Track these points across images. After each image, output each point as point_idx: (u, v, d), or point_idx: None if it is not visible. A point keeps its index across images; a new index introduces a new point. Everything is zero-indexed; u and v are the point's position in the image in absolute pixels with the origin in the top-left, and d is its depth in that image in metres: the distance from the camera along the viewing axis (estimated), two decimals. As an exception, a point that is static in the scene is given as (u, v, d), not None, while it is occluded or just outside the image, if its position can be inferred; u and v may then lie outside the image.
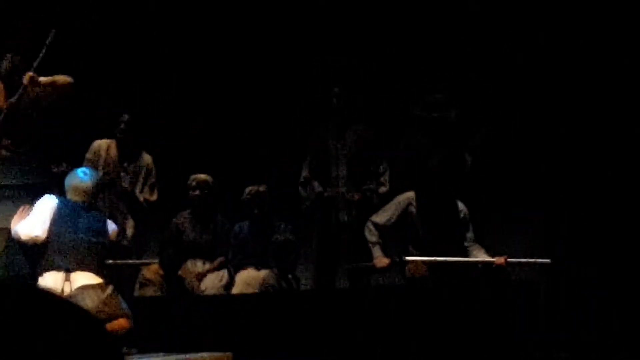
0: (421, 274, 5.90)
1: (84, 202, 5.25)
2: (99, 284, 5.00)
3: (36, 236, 5.10)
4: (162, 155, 6.88)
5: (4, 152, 5.77)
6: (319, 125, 6.70)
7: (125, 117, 6.67)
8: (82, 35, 7.34)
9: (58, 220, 5.12)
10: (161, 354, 4.94)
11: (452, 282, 5.85)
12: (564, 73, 7.07)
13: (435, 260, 5.95)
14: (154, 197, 6.67)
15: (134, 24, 7.63)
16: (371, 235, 6.11)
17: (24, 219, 5.19)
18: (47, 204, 5.19)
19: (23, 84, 5.65)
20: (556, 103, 7.08)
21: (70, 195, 5.28)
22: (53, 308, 1.50)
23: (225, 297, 6.18)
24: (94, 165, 6.31)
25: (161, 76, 7.62)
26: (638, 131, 6.76)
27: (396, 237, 6.25)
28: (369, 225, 6.14)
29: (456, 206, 6.18)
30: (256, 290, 6.08)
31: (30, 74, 5.65)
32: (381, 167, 6.56)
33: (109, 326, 4.68)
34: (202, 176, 6.68)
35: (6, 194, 5.62)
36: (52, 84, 5.75)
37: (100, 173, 6.10)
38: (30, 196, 5.44)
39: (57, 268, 5.00)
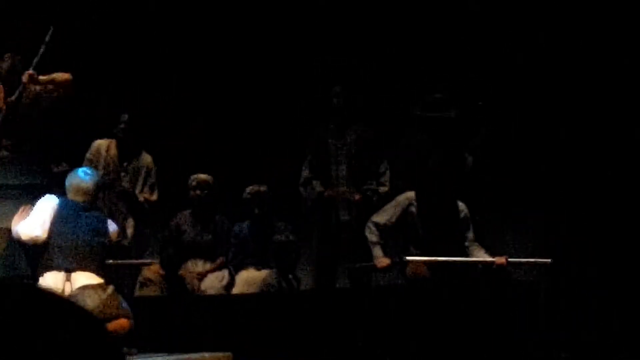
0: (422, 274, 5.90)
1: (84, 202, 5.24)
2: (99, 284, 5.00)
3: (36, 236, 5.10)
4: (162, 155, 6.88)
5: (4, 152, 5.76)
6: (319, 125, 6.70)
7: (125, 116, 6.67)
8: (81, 35, 7.34)
9: (59, 220, 5.12)
10: (162, 354, 4.94)
11: (453, 282, 5.85)
12: (564, 73, 7.07)
13: (435, 260, 5.95)
14: (154, 197, 6.67)
15: (133, 24, 7.62)
16: (372, 235, 6.11)
17: (25, 219, 5.19)
18: (47, 204, 5.19)
19: (22, 82, 5.64)
20: (556, 103, 7.08)
21: (71, 195, 5.28)
22: (54, 308, 1.50)
23: (225, 297, 6.19)
24: (94, 165, 6.30)
25: (161, 76, 7.62)
26: (638, 131, 6.76)
27: (397, 237, 6.25)
28: (370, 225, 6.13)
29: (456, 206, 6.18)
30: (257, 291, 6.09)
31: (30, 72, 5.64)
32: (381, 167, 6.56)
33: (110, 326, 4.68)
34: (203, 176, 6.68)
35: (6, 194, 5.61)
36: (52, 81, 5.74)
37: (101, 173, 6.09)
38: (31, 196, 5.43)
39: (58, 268, 5.00)
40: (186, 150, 7.41)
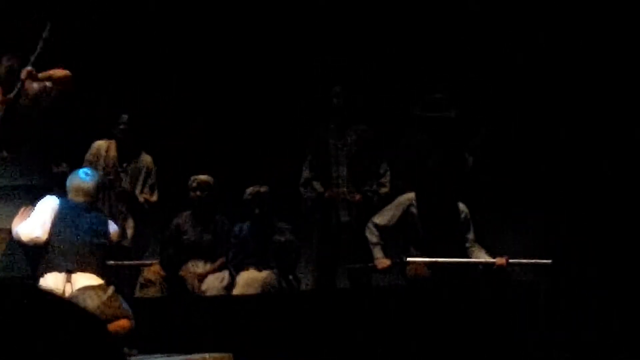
0: (422, 275, 5.90)
1: (85, 202, 5.24)
2: (100, 285, 5.00)
3: (37, 237, 5.10)
4: (162, 156, 6.88)
5: (4, 153, 5.76)
6: (319, 125, 6.70)
7: (125, 117, 6.67)
8: (81, 35, 7.33)
9: (59, 221, 5.12)
10: (162, 354, 4.93)
11: (453, 283, 5.85)
12: (564, 73, 7.07)
13: (436, 261, 5.96)
14: (154, 198, 6.67)
15: (133, 24, 7.62)
16: (372, 236, 6.12)
17: (25, 219, 5.18)
18: (48, 205, 5.19)
19: (21, 78, 5.63)
20: (556, 103, 7.08)
21: (71, 196, 5.28)
22: (55, 308, 1.50)
23: (226, 297, 6.18)
24: (93, 166, 6.30)
25: (161, 76, 7.62)
26: (638, 131, 6.76)
27: (397, 238, 6.25)
28: (370, 226, 6.14)
29: (457, 207, 6.18)
30: (257, 291, 6.08)
31: (29, 68, 5.62)
32: (382, 168, 6.56)
33: (110, 327, 4.67)
34: (203, 177, 6.68)
35: (7, 194, 5.60)
36: (50, 78, 5.72)
37: (101, 174, 6.09)
38: (31, 197, 5.43)
39: (58, 269, 5.00)
40: (186, 151, 7.41)
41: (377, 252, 6.08)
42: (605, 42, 6.96)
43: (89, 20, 7.49)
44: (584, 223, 6.66)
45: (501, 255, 6.00)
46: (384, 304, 5.59)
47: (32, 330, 1.44)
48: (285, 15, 7.61)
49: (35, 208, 5.20)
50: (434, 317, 5.44)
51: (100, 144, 6.69)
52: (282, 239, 6.24)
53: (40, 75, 5.71)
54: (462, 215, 6.18)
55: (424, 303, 5.59)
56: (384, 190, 6.51)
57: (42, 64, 5.73)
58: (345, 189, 6.45)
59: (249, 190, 6.59)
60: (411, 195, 6.20)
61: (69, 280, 4.97)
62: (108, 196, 6.42)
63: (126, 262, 6.37)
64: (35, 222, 5.13)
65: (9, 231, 5.32)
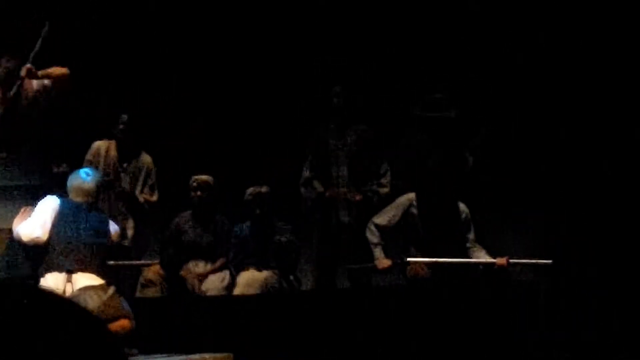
0: (422, 275, 5.90)
1: (86, 202, 5.24)
2: (100, 285, 5.00)
3: (37, 237, 5.10)
4: (162, 156, 6.88)
5: (4, 153, 5.75)
6: (319, 125, 6.70)
7: (124, 117, 6.67)
8: (81, 35, 7.33)
9: (60, 221, 5.12)
10: (162, 354, 4.93)
11: (453, 283, 5.85)
12: (564, 73, 7.07)
13: (436, 261, 5.96)
14: (154, 198, 6.67)
15: (133, 24, 7.62)
16: (372, 236, 6.12)
17: (25, 219, 5.18)
18: (48, 205, 5.19)
19: (20, 76, 5.62)
20: (556, 103, 7.08)
21: (72, 196, 5.28)
22: (56, 308, 1.50)
23: (226, 298, 6.18)
24: (93, 167, 6.30)
25: (161, 76, 7.62)
26: (638, 131, 6.76)
27: (397, 238, 6.26)
28: (371, 226, 6.14)
29: (457, 207, 6.18)
30: (257, 291, 6.08)
31: (28, 66, 5.62)
32: (382, 168, 6.56)
33: (111, 327, 4.67)
34: (204, 177, 6.68)
35: (7, 194, 5.60)
36: (49, 75, 5.72)
37: (101, 174, 6.09)
38: (32, 197, 5.43)
39: (59, 269, 5.00)
40: (186, 151, 7.41)
41: (378, 252, 6.08)
42: (605, 42, 6.96)
43: (89, 20, 7.49)
44: (584, 223, 6.66)
45: (501, 256, 6.00)
46: (384, 304, 5.60)
47: (32, 330, 1.44)
48: (285, 16, 7.61)
49: (36, 208, 5.20)
50: (434, 317, 5.44)
51: (100, 144, 6.69)
52: (283, 239, 6.24)
53: (39, 73, 5.70)
54: (463, 216, 6.18)
55: (424, 303, 5.59)
56: (384, 190, 6.51)
57: (42, 64, 5.73)
58: (345, 189, 6.46)
59: (250, 190, 6.59)
60: (411, 195, 6.20)
61: (69, 280, 4.97)
62: (108, 196, 6.42)
63: (126, 262, 6.37)
64: (36, 222, 5.13)
65: (10, 231, 5.32)
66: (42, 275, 5.03)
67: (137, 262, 6.52)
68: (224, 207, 6.80)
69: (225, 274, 6.49)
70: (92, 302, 4.81)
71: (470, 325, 5.36)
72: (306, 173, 6.58)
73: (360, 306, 5.61)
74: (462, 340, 5.33)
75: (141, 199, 6.60)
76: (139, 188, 6.64)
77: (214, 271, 6.53)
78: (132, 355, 4.85)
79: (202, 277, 6.48)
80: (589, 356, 5.36)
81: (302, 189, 6.59)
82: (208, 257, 6.58)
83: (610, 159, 6.80)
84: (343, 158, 6.51)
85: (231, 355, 4.93)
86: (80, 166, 5.91)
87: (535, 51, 7.16)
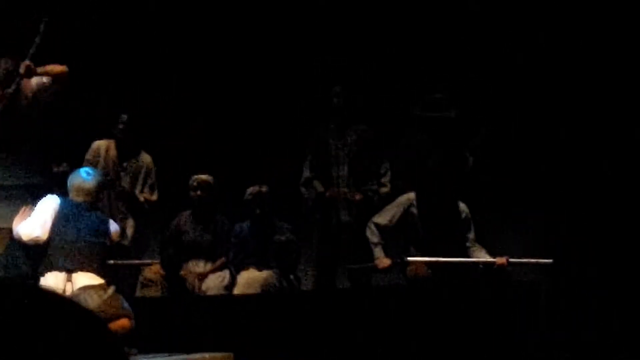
0: (422, 275, 5.90)
1: (86, 202, 5.24)
2: (100, 285, 5.00)
3: (37, 237, 5.10)
4: (162, 155, 6.88)
5: (3, 153, 5.75)
6: (319, 125, 6.71)
7: (124, 117, 6.67)
8: (82, 35, 7.33)
9: (60, 220, 5.11)
10: (162, 354, 4.93)
11: (453, 283, 5.85)
12: (564, 73, 7.07)
13: (436, 261, 5.96)
14: (154, 197, 6.67)
15: (133, 24, 7.62)
16: (373, 236, 6.12)
17: (25, 219, 5.18)
18: (49, 204, 5.19)
19: (19, 73, 5.61)
20: (556, 103, 7.08)
21: (72, 195, 5.28)
22: (56, 308, 1.50)
23: (226, 297, 6.18)
24: (93, 166, 6.30)
25: (161, 76, 7.62)
26: (638, 131, 6.76)
27: (397, 238, 6.26)
28: (371, 226, 6.14)
29: (457, 206, 6.18)
30: (257, 291, 6.09)
31: (27, 63, 5.60)
32: (382, 167, 6.56)
33: (111, 326, 4.67)
34: (204, 176, 6.68)
35: (7, 194, 5.60)
36: (48, 73, 5.71)
37: (101, 173, 6.09)
38: (32, 196, 5.43)
39: (59, 268, 5.00)
40: (186, 150, 7.41)
41: (378, 252, 6.08)
42: (606, 42, 6.96)
43: (89, 20, 7.49)
44: (584, 223, 6.66)
45: (501, 255, 6.00)
46: (384, 304, 5.59)
47: (32, 330, 1.44)
48: (285, 16, 7.61)
49: (36, 208, 5.20)
50: (434, 317, 5.44)
51: (100, 144, 6.69)
52: (283, 238, 6.24)
53: (38, 70, 5.69)
54: (463, 215, 6.18)
55: (424, 303, 5.59)
56: (384, 190, 6.51)
57: (42, 63, 5.72)
58: (345, 189, 6.46)
59: (250, 190, 6.59)
60: (411, 195, 6.20)
61: (69, 280, 4.97)
62: (108, 196, 6.42)
63: (126, 262, 6.37)
64: (36, 221, 5.13)
65: (10, 231, 5.32)
66: (42, 275, 5.02)
67: (137, 261, 6.52)
68: (224, 206, 6.80)
69: (225, 274, 6.49)
70: (92, 302, 4.81)
71: (470, 325, 5.36)
72: (306, 173, 6.58)
73: (360, 306, 5.61)
74: (462, 340, 5.33)
75: (141, 199, 6.60)
76: (138, 187, 6.64)
77: (214, 271, 6.53)
78: (132, 354, 4.85)
79: (202, 276, 6.49)
80: (589, 356, 5.36)
81: (302, 189, 6.59)
82: (208, 257, 6.59)
83: (610, 159, 6.80)
84: (343, 158, 6.51)
85: (231, 354, 4.93)
86: (80, 166, 5.91)
87: (535, 51, 7.16)
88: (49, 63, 5.76)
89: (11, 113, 5.72)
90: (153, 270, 6.41)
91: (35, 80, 5.67)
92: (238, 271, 6.43)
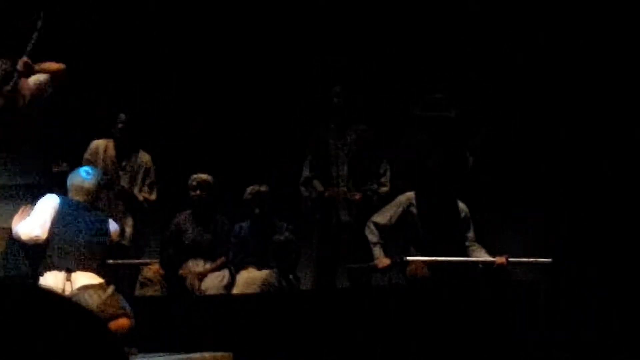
0: (422, 274, 5.90)
1: (85, 201, 5.24)
2: (100, 284, 5.00)
3: (36, 236, 5.09)
4: (162, 155, 6.88)
5: (4, 153, 5.75)
6: (319, 125, 6.71)
7: (122, 116, 6.67)
8: (81, 35, 7.33)
9: (59, 220, 5.11)
10: (162, 354, 4.93)
11: (453, 282, 5.85)
12: (564, 73, 7.07)
13: (436, 260, 5.96)
14: (153, 197, 6.67)
15: (133, 24, 7.62)
16: (372, 235, 6.12)
17: (25, 219, 5.18)
18: (48, 204, 5.18)
19: (17, 70, 5.59)
20: (556, 103, 7.08)
21: (72, 195, 5.28)
22: (55, 307, 1.50)
23: (226, 297, 6.18)
24: (92, 166, 6.30)
25: (161, 76, 7.62)
26: (638, 131, 6.76)
27: (397, 238, 6.25)
28: (370, 225, 6.14)
29: (456, 206, 6.18)
30: (257, 291, 6.08)
31: (25, 59, 5.59)
32: (382, 167, 6.56)
33: (110, 326, 4.67)
34: (203, 176, 6.68)
35: (6, 194, 5.60)
36: (46, 70, 5.69)
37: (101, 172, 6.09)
38: (31, 196, 5.43)
39: (58, 268, 5.00)
40: (186, 150, 7.41)
41: (377, 252, 6.08)
42: (606, 42, 6.96)
43: (89, 20, 7.49)
44: (584, 223, 6.66)
45: (501, 255, 6.00)
46: (384, 304, 5.59)
47: (32, 330, 1.44)
48: (285, 15, 7.61)
49: (35, 207, 5.20)
50: (434, 317, 5.44)
51: (99, 143, 6.69)
52: (282, 238, 6.24)
53: (35, 67, 5.68)
54: (462, 215, 6.18)
55: (424, 303, 5.59)
56: (383, 189, 6.51)
57: (40, 62, 5.71)
58: (345, 189, 6.46)
59: (249, 189, 6.59)
60: (411, 194, 6.20)
61: (68, 279, 4.97)
62: (107, 195, 6.42)
63: (126, 261, 6.37)
64: (35, 221, 5.12)
65: (9, 230, 5.32)
66: (42, 274, 5.02)
67: (137, 261, 6.52)
68: (224, 206, 6.80)
69: (225, 273, 6.49)
70: (92, 301, 4.81)
71: (470, 325, 5.36)
72: (306, 173, 6.58)
73: (360, 306, 5.61)
74: (462, 340, 5.33)
75: (140, 198, 6.60)
76: (137, 187, 6.64)
77: (213, 270, 6.53)
78: (132, 354, 4.85)
79: (202, 276, 6.48)
80: (589, 356, 5.36)
81: (302, 189, 6.59)
82: (208, 257, 6.59)
83: (610, 159, 6.80)
84: (343, 158, 6.51)
85: (231, 354, 4.93)
86: (79, 165, 5.91)
87: (535, 51, 7.16)
88: (48, 62, 5.75)
89: (11, 113, 5.72)
90: (152, 269, 6.41)
91: (33, 80, 5.67)
92: (238, 271, 6.43)
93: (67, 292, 4.88)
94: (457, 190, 6.25)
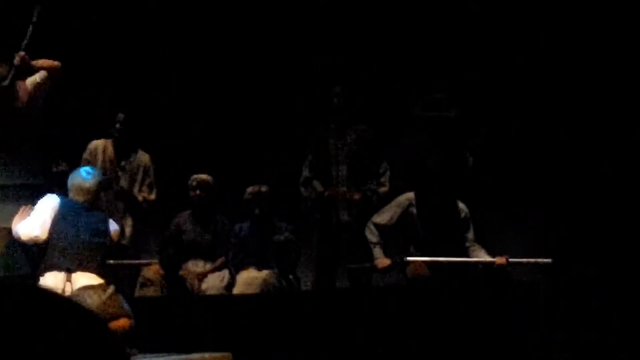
0: (422, 275, 5.90)
1: (85, 201, 5.24)
2: (100, 285, 5.00)
3: (36, 236, 5.09)
4: (161, 155, 6.88)
5: (4, 153, 5.74)
6: (319, 125, 6.70)
7: (121, 116, 6.67)
8: (81, 34, 7.33)
9: (59, 220, 5.11)
10: (162, 354, 4.93)
11: (453, 283, 5.85)
12: (564, 73, 7.07)
13: (436, 261, 5.95)
14: (153, 197, 6.67)
15: (133, 24, 7.62)
16: (372, 235, 6.12)
17: (25, 219, 5.18)
18: (48, 204, 5.18)
19: (14, 64, 5.58)
20: (556, 103, 7.08)
21: (72, 195, 5.27)
22: (55, 308, 1.49)
23: (226, 297, 6.18)
24: (91, 166, 6.29)
25: (161, 76, 7.61)
26: (638, 131, 6.76)
27: (397, 238, 6.25)
28: (370, 225, 6.14)
29: (456, 206, 6.18)
30: (257, 291, 6.08)
31: (21, 54, 5.57)
32: (381, 167, 6.56)
33: (110, 326, 4.66)
34: (203, 176, 6.68)
35: (6, 194, 5.60)
36: (42, 66, 5.68)
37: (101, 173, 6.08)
38: (31, 196, 5.42)
39: (58, 268, 5.00)
40: (186, 150, 7.41)
41: (377, 252, 6.08)
42: (606, 42, 6.96)
43: (88, 20, 7.49)
44: (584, 223, 6.66)
45: (501, 255, 6.00)
46: (384, 304, 5.59)
47: (32, 330, 1.43)
48: (285, 16, 7.60)
49: (35, 207, 5.19)
50: (433, 317, 5.44)
51: (97, 143, 6.69)
52: (282, 238, 6.24)
53: (32, 63, 5.66)
54: (462, 215, 6.18)
55: (424, 303, 5.58)
56: (383, 189, 6.51)
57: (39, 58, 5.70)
58: (345, 189, 6.45)
59: (249, 189, 6.59)
60: (411, 194, 6.20)
61: (68, 280, 4.96)
62: (106, 195, 6.42)
63: (126, 262, 6.36)
64: (35, 221, 5.12)
65: (9, 230, 5.32)
66: (42, 275, 5.02)
67: (137, 261, 6.52)
68: (224, 206, 6.80)
69: (225, 274, 6.49)
70: (92, 302, 4.80)
71: (470, 325, 5.36)
72: (306, 173, 6.58)
73: (360, 306, 5.61)
74: (462, 340, 5.32)
75: (140, 198, 6.60)
76: (137, 187, 6.63)
77: (213, 270, 6.53)
78: (132, 354, 4.85)
79: (202, 276, 6.48)
80: (588, 356, 5.36)
81: (302, 189, 6.59)
82: (208, 257, 6.59)
83: (610, 159, 6.80)
84: (343, 158, 6.51)
85: (230, 354, 4.93)
86: (79, 165, 5.90)
87: (535, 51, 7.16)
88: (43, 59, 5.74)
89: (10, 113, 5.72)
90: (152, 270, 6.40)
91: (29, 81, 5.66)
92: (238, 271, 6.43)
93: (67, 292, 4.88)
94: (457, 190, 6.25)
